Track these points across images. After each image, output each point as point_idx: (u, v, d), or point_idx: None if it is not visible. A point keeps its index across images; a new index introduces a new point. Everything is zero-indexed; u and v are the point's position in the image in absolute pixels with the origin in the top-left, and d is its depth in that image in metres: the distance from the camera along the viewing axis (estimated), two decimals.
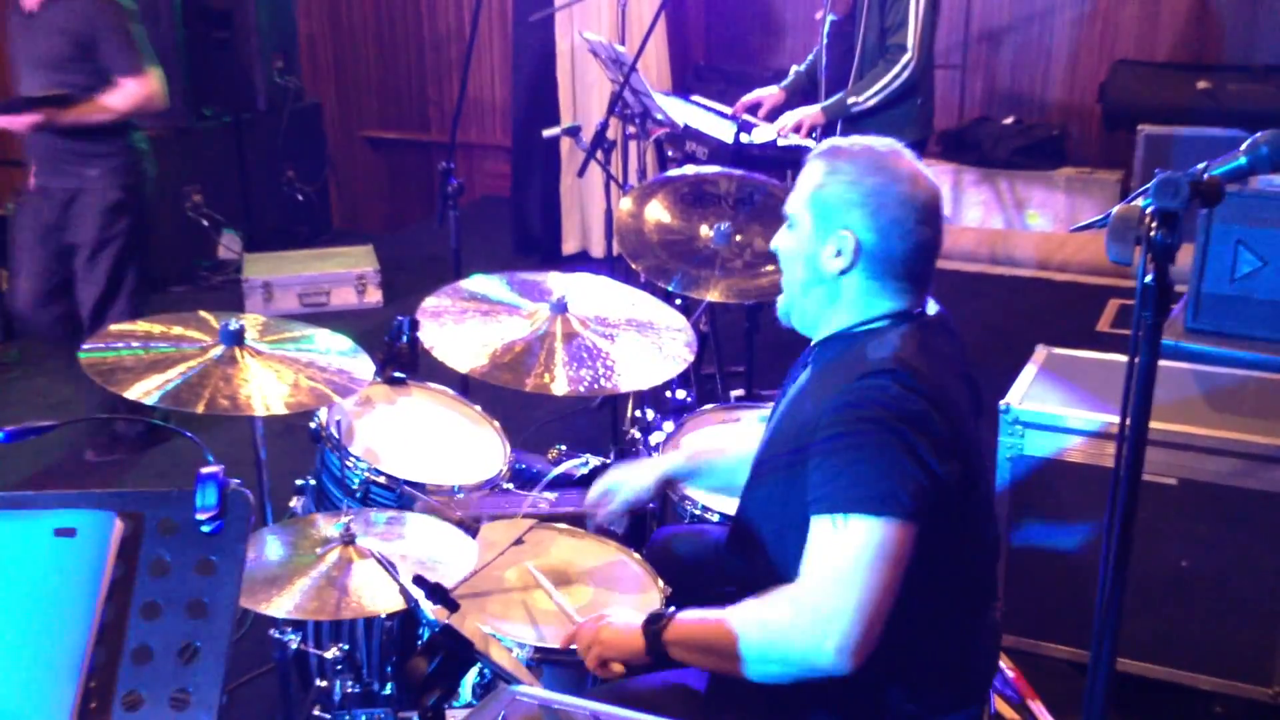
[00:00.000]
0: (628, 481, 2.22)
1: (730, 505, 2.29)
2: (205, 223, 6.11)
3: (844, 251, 1.78)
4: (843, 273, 1.79)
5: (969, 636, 1.85)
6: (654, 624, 1.79)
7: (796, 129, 3.87)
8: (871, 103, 3.81)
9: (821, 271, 1.81)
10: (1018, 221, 6.10)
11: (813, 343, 1.90)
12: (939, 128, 5.77)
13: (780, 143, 3.73)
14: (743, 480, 2.02)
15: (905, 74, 3.79)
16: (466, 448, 2.58)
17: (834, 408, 1.69)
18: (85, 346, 2.23)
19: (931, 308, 1.88)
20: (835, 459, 1.67)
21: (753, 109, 4.11)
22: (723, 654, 1.72)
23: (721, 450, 2.26)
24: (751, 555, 1.89)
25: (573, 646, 1.92)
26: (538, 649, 1.96)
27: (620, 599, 2.13)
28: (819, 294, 1.84)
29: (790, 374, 2.00)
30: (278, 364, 2.28)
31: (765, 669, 1.70)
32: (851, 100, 3.83)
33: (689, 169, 3.21)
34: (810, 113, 3.88)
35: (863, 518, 1.62)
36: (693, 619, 1.77)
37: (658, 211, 2.97)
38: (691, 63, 6.74)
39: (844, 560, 1.62)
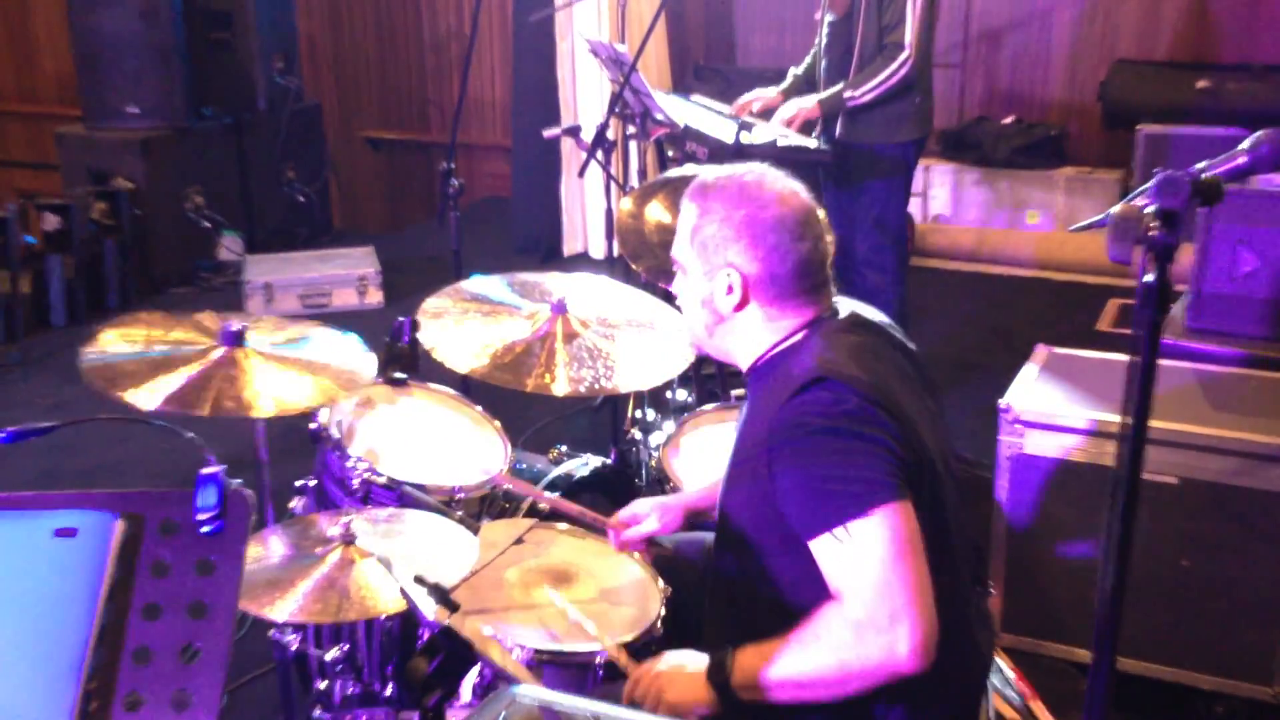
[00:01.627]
0: (657, 515, 2.20)
1: None
2: (206, 224, 6.11)
3: (734, 288, 1.82)
4: (738, 308, 1.84)
5: (954, 624, 1.83)
6: (719, 673, 1.76)
7: (792, 122, 3.87)
8: (867, 98, 3.81)
9: (720, 310, 1.86)
10: (1017, 221, 6.10)
11: (742, 372, 1.93)
12: (939, 127, 5.77)
13: (780, 143, 3.73)
14: None
15: (902, 71, 3.79)
16: (467, 448, 2.58)
17: (777, 428, 1.72)
18: (86, 351, 2.23)
19: (844, 308, 1.90)
20: (802, 481, 1.69)
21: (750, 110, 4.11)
22: (801, 685, 1.71)
23: None
24: (736, 556, 1.90)
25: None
26: (538, 649, 1.96)
27: (620, 599, 2.13)
28: (724, 330, 1.88)
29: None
30: (279, 364, 2.28)
31: (847, 689, 1.69)
32: (848, 94, 3.82)
33: (689, 169, 3.21)
34: (807, 106, 3.88)
35: (859, 520, 1.63)
36: (757, 661, 1.74)
37: (658, 212, 2.97)
38: (691, 62, 6.74)
39: (871, 567, 1.63)
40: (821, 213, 1.88)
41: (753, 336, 1.87)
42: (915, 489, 1.69)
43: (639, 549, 2.24)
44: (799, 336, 1.83)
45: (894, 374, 1.82)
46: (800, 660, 1.70)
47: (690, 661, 1.81)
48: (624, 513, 2.23)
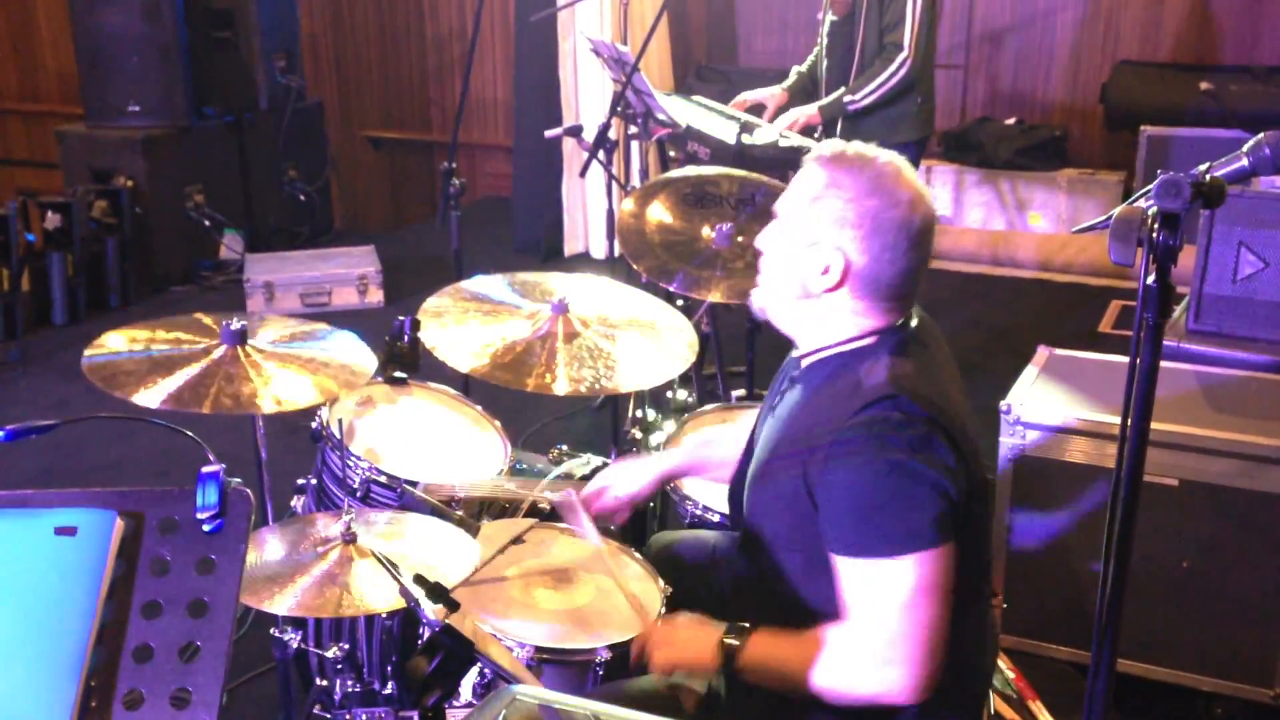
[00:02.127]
0: (625, 478, 2.22)
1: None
2: (207, 223, 6.11)
3: (832, 270, 1.75)
4: (828, 290, 1.77)
5: (967, 634, 1.85)
6: (732, 643, 1.78)
7: (791, 128, 3.87)
8: (868, 101, 3.81)
9: (808, 286, 1.79)
10: (1019, 222, 6.09)
11: (797, 356, 1.89)
12: (940, 128, 5.77)
13: (782, 143, 3.73)
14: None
15: (901, 72, 3.79)
16: (467, 448, 2.58)
17: (842, 439, 1.68)
18: (87, 350, 2.23)
19: (914, 318, 1.86)
20: (850, 500, 1.67)
21: (754, 109, 4.11)
22: (795, 687, 1.73)
23: (718, 448, 2.26)
24: (758, 556, 1.89)
25: (586, 647, 1.91)
26: (538, 649, 1.96)
27: (620, 599, 2.13)
28: (803, 307, 1.82)
29: (776, 384, 1.99)
30: (279, 363, 2.28)
31: (842, 704, 1.71)
32: (848, 99, 3.83)
33: (691, 169, 3.21)
34: (807, 113, 3.88)
35: (891, 560, 1.63)
36: (769, 648, 1.76)
37: (659, 212, 2.97)
38: (693, 63, 6.74)
39: (887, 606, 1.63)
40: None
41: (828, 324, 1.80)
42: (962, 520, 1.68)
43: (618, 513, 2.25)
44: (870, 340, 1.78)
45: (955, 387, 1.80)
46: (800, 668, 1.71)
47: (709, 623, 1.82)
48: (590, 487, 2.23)
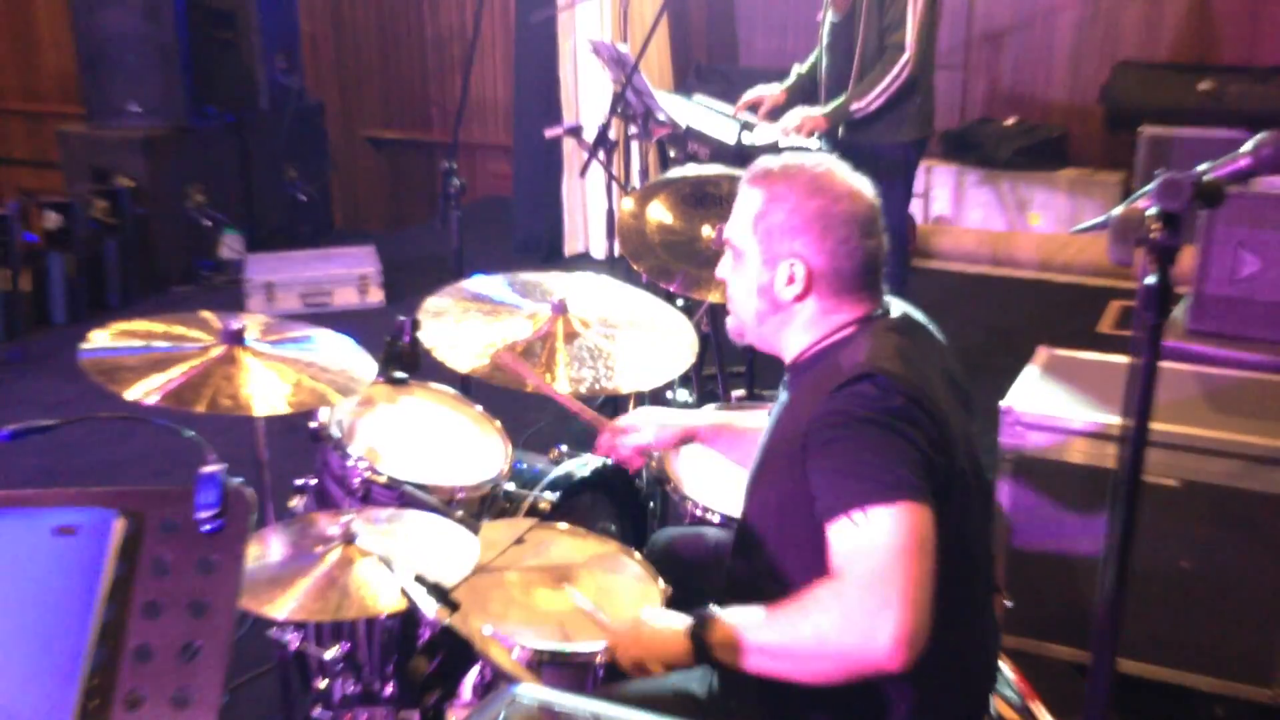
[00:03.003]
0: (654, 425, 2.23)
1: (730, 504, 2.29)
2: (207, 223, 6.12)
3: (796, 278, 1.80)
4: (798, 299, 1.82)
5: (968, 635, 1.85)
6: (699, 627, 1.76)
7: (799, 130, 3.87)
8: (875, 105, 3.82)
9: (777, 300, 1.83)
10: (1019, 222, 6.09)
11: (785, 364, 1.92)
12: (940, 128, 5.77)
13: (782, 143, 3.73)
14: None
15: (904, 73, 3.79)
16: (467, 448, 2.58)
17: (820, 415, 1.70)
18: (86, 346, 2.23)
19: (895, 308, 1.89)
20: (835, 462, 1.67)
21: (753, 108, 4.11)
22: (774, 655, 1.69)
23: (746, 425, 2.26)
24: (753, 558, 1.89)
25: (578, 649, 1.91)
26: (538, 649, 1.96)
27: (620, 599, 2.13)
28: (776, 320, 1.86)
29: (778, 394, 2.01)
30: (279, 364, 2.28)
31: (818, 667, 1.66)
32: (854, 106, 3.83)
33: (691, 169, 3.21)
34: (813, 116, 3.88)
35: (881, 508, 1.61)
36: (739, 621, 1.73)
37: (659, 212, 2.97)
38: (693, 63, 6.74)
39: (877, 553, 1.61)
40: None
41: (804, 329, 1.85)
42: (943, 496, 1.68)
43: (627, 457, 2.26)
44: (848, 331, 1.82)
45: (939, 378, 1.81)
46: (779, 629, 1.67)
47: (673, 617, 1.81)
48: (622, 420, 2.26)
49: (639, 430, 2.24)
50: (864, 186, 1.84)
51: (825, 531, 1.67)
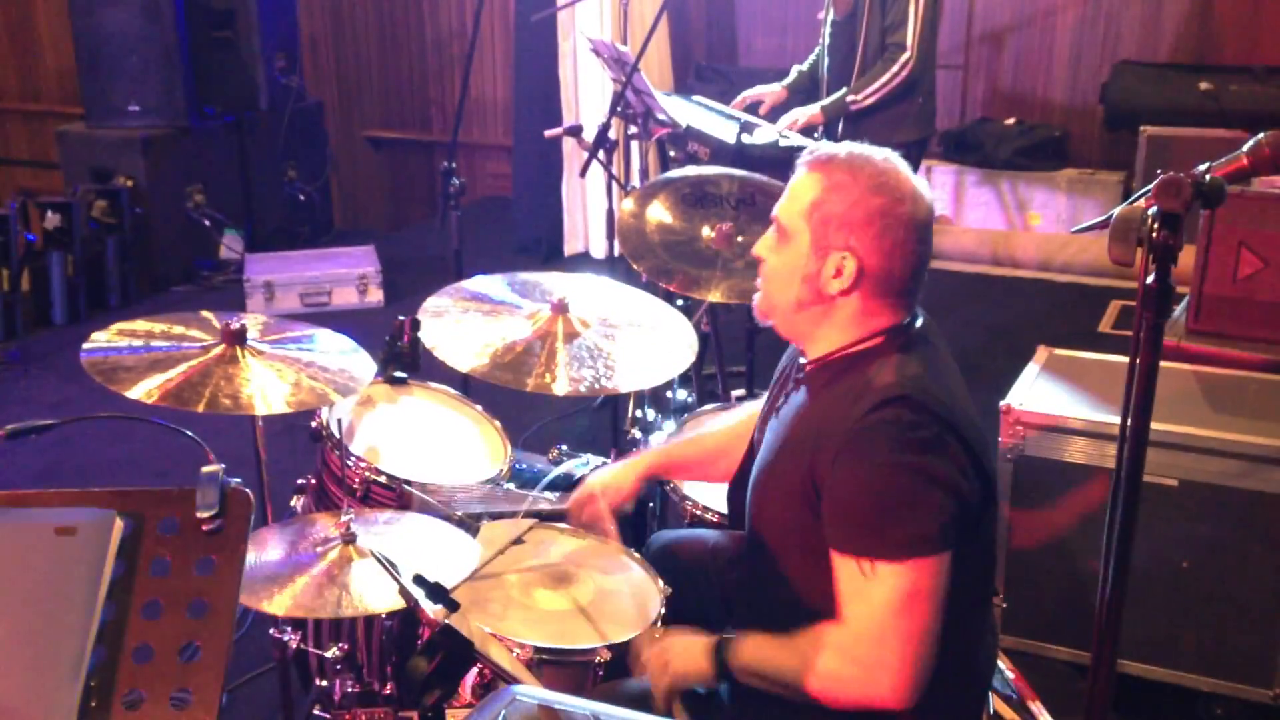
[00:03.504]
0: (609, 484, 2.22)
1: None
2: (207, 222, 6.11)
3: (845, 273, 1.73)
4: (842, 293, 1.75)
5: (969, 637, 1.85)
6: (721, 650, 1.80)
7: (793, 127, 3.87)
8: (870, 101, 3.82)
9: (820, 291, 1.76)
10: (1019, 222, 6.09)
11: (803, 360, 1.88)
12: (941, 128, 5.77)
13: (782, 143, 3.73)
14: (719, 469, 2.09)
15: (904, 72, 3.79)
16: (467, 447, 2.58)
17: (850, 441, 1.67)
18: (86, 346, 2.23)
19: (919, 316, 1.85)
20: (854, 501, 1.66)
21: (753, 106, 4.11)
22: (786, 687, 1.73)
23: (697, 440, 2.26)
24: (758, 558, 1.89)
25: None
26: (538, 649, 1.96)
27: (620, 599, 2.13)
28: (814, 311, 1.79)
29: (776, 387, 1.99)
30: (279, 363, 2.28)
31: (829, 704, 1.71)
32: (851, 99, 3.83)
33: (691, 169, 3.21)
34: (809, 112, 3.89)
35: (890, 564, 1.62)
36: (760, 649, 1.78)
37: (659, 212, 2.97)
38: (693, 62, 6.74)
39: (880, 608, 1.63)
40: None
41: (840, 327, 1.78)
42: (974, 522, 1.68)
43: (604, 525, 2.25)
44: (877, 340, 1.77)
45: (962, 389, 1.79)
46: (789, 667, 1.72)
47: (698, 637, 1.84)
48: (575, 497, 2.25)
49: (593, 503, 2.21)
50: (926, 191, 1.77)
51: (831, 554, 1.68)
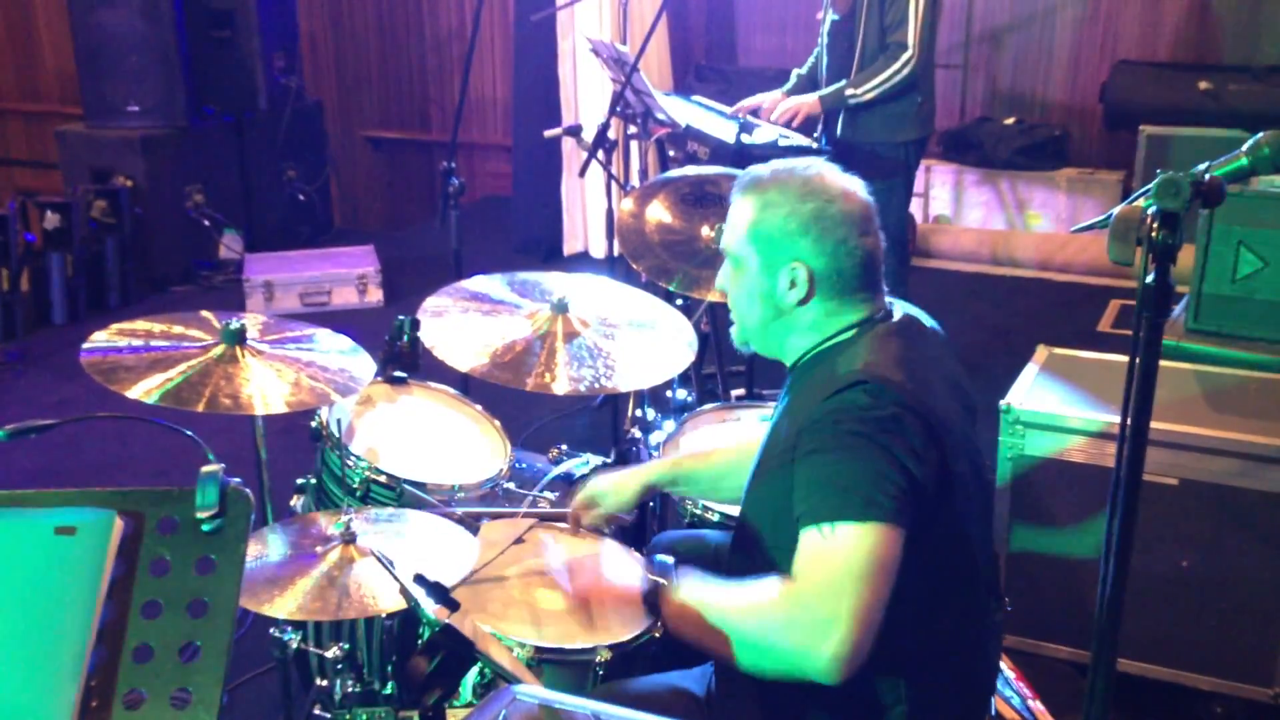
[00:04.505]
0: (611, 491, 2.22)
1: (730, 507, 2.29)
2: (206, 222, 6.11)
3: (798, 282, 1.80)
4: (801, 303, 1.81)
5: (968, 639, 1.85)
6: (654, 594, 1.84)
7: (792, 118, 3.87)
8: (869, 96, 3.81)
9: (780, 306, 1.83)
10: (1019, 222, 6.10)
11: (787, 366, 1.92)
12: (940, 128, 5.77)
13: (782, 143, 3.73)
14: (726, 487, 2.09)
15: (905, 71, 3.79)
16: (467, 447, 2.58)
17: (810, 422, 1.71)
18: (86, 346, 2.23)
19: (898, 311, 1.88)
20: (815, 472, 1.68)
21: (753, 112, 4.11)
22: (718, 637, 1.73)
23: (706, 456, 2.26)
24: (748, 555, 1.89)
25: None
26: (538, 648, 1.96)
27: (620, 599, 2.13)
28: (780, 325, 1.86)
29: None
30: (278, 363, 2.28)
31: (755, 660, 1.69)
32: (849, 92, 3.83)
33: (690, 169, 3.21)
34: (808, 102, 3.89)
35: (849, 524, 1.62)
36: (694, 598, 1.79)
37: (659, 212, 2.97)
38: (692, 62, 6.74)
39: (836, 567, 1.62)
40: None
41: (806, 332, 1.84)
42: (930, 508, 1.67)
43: (601, 528, 2.27)
44: (850, 334, 1.81)
45: (940, 382, 1.80)
46: (729, 613, 1.72)
47: (637, 573, 1.89)
48: (577, 501, 2.25)
49: (598, 506, 2.22)
50: (856, 186, 1.84)
51: (799, 536, 1.68)
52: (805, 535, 1.66)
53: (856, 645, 1.59)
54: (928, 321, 1.93)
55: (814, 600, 1.62)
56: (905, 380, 1.70)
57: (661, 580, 1.85)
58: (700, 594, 1.79)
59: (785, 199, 1.80)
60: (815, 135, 3.92)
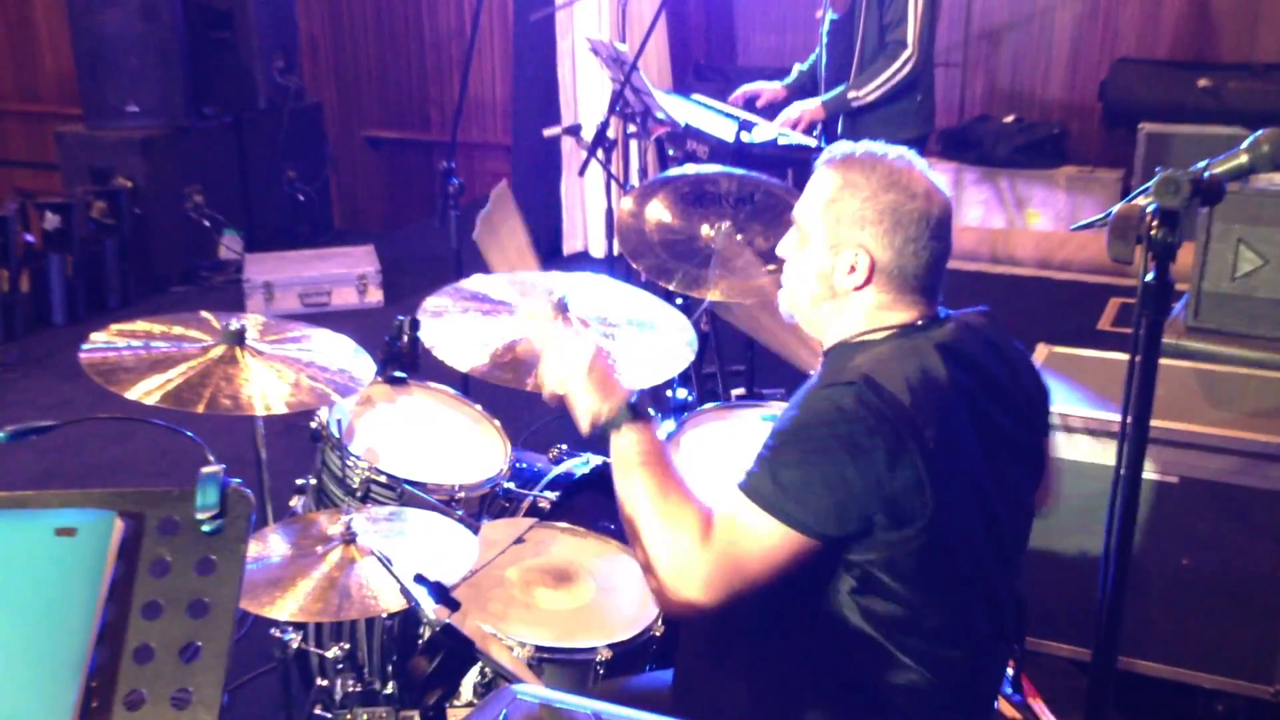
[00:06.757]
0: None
1: None
2: (206, 223, 6.11)
3: (858, 269, 1.76)
4: (856, 288, 1.78)
5: (965, 668, 1.77)
6: (612, 426, 1.81)
7: (796, 123, 3.87)
8: (871, 97, 3.82)
9: (835, 287, 1.79)
10: (1018, 220, 6.09)
11: (823, 348, 1.89)
12: (939, 126, 5.77)
13: (781, 141, 3.73)
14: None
15: (905, 69, 3.79)
16: (467, 447, 2.58)
17: (792, 405, 1.71)
18: (86, 346, 2.23)
19: (952, 327, 1.80)
20: (772, 453, 1.67)
21: (751, 100, 4.11)
22: (634, 500, 1.73)
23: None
24: None
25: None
26: (539, 648, 1.96)
27: (620, 598, 2.13)
28: (829, 307, 1.82)
29: None
30: (278, 364, 2.28)
31: (638, 553, 1.72)
32: (852, 95, 3.83)
33: (690, 168, 3.21)
34: (810, 107, 3.89)
35: (766, 516, 1.63)
36: (650, 453, 1.78)
37: (658, 211, 2.97)
38: (692, 61, 6.74)
39: (745, 542, 1.64)
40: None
41: (853, 320, 1.80)
42: (897, 526, 1.64)
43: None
44: (886, 334, 1.78)
45: (962, 413, 1.72)
46: (643, 506, 1.72)
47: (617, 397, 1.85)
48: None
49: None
50: (941, 186, 1.79)
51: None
52: (736, 494, 1.67)
53: (702, 608, 1.65)
54: (995, 339, 1.85)
55: (711, 556, 1.65)
56: (905, 393, 1.65)
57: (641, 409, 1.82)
58: (659, 458, 1.78)
59: (868, 184, 1.76)
60: (815, 134, 3.93)
